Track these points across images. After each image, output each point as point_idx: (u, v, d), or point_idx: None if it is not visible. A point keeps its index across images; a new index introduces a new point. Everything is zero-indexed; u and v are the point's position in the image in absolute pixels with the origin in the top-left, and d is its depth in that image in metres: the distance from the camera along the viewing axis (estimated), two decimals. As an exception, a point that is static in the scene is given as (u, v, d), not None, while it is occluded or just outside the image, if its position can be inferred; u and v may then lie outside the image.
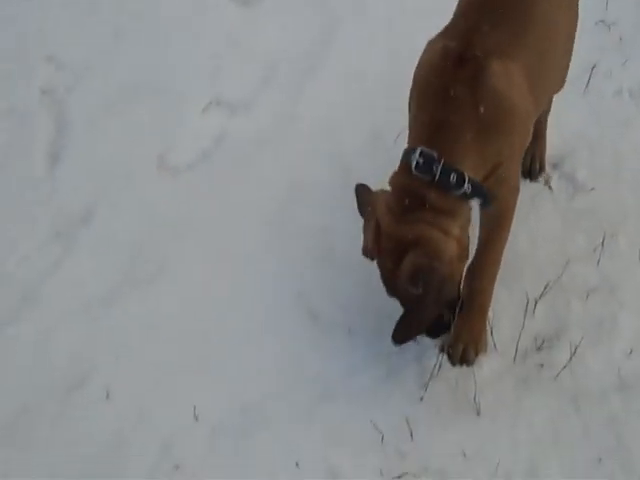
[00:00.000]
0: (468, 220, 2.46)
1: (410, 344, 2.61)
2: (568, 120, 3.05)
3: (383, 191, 2.45)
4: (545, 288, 2.70)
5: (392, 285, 2.42)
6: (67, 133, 3.29)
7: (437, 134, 2.34)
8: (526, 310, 2.66)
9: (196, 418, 2.52)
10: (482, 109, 2.33)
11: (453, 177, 2.31)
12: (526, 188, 2.89)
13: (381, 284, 2.55)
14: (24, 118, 3.36)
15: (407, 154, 2.35)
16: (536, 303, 2.68)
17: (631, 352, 2.57)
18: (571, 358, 2.56)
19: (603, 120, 3.16)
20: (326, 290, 2.85)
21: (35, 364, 2.69)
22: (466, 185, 2.32)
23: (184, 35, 3.57)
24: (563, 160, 3.02)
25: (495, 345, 2.61)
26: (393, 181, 2.41)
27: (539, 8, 2.49)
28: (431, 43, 2.46)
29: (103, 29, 3.61)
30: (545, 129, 3.02)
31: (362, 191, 2.57)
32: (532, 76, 2.45)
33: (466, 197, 2.36)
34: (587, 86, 3.19)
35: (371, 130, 3.06)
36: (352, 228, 2.65)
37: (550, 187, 2.99)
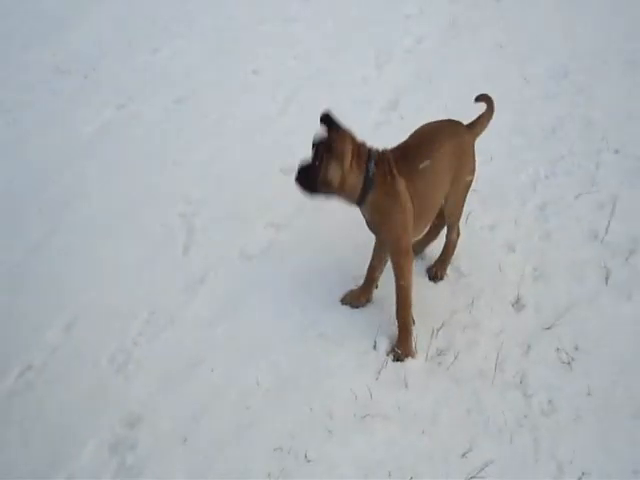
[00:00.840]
0: (359, 179, 2.76)
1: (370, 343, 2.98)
2: (459, 244, 3.28)
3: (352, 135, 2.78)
4: (441, 325, 3.08)
5: (319, 152, 2.74)
6: (193, 236, 3.62)
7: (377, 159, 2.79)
8: (432, 335, 3.04)
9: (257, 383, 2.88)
10: (386, 190, 2.79)
11: (372, 164, 2.77)
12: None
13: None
14: (169, 229, 3.67)
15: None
16: (437, 331, 3.05)
17: (486, 357, 2.96)
18: (454, 359, 2.95)
19: (474, 240, 3.46)
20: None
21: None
22: (371, 169, 2.77)
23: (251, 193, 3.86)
24: (453, 260, 3.33)
25: (416, 351, 2.98)
26: (363, 142, 2.81)
27: (434, 170, 2.88)
28: (391, 150, 2.89)
29: (210, 182, 3.95)
30: (448, 259, 3.29)
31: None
32: (416, 198, 2.85)
33: (368, 173, 2.76)
34: (466, 223, 3.43)
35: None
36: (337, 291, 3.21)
37: (447, 274, 3.31)
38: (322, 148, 2.76)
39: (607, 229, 3.51)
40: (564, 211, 3.68)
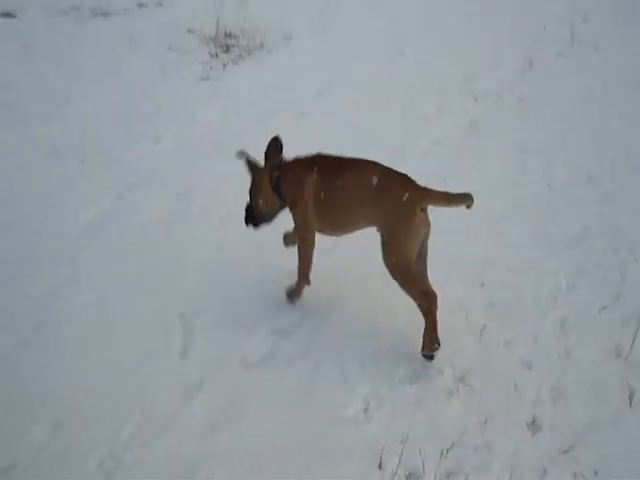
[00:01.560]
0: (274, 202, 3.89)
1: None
2: (464, 354, 3.61)
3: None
4: (451, 444, 3.23)
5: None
6: (192, 339, 3.86)
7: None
8: (441, 455, 3.20)
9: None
10: (292, 182, 3.87)
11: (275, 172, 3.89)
12: (439, 389, 3.54)
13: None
14: (167, 330, 3.91)
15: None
16: (447, 452, 3.21)
17: (497, 482, 3.12)
18: (465, 481, 3.13)
19: (488, 356, 3.69)
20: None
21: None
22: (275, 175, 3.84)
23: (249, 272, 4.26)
24: (465, 374, 3.55)
25: (424, 473, 3.12)
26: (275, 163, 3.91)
27: (345, 193, 3.69)
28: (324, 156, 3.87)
29: (212, 282, 4.25)
30: (430, 331, 3.52)
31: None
32: (327, 192, 3.70)
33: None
34: (480, 337, 3.75)
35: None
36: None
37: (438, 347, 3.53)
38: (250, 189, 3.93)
39: (632, 346, 3.72)
40: (586, 326, 3.92)
